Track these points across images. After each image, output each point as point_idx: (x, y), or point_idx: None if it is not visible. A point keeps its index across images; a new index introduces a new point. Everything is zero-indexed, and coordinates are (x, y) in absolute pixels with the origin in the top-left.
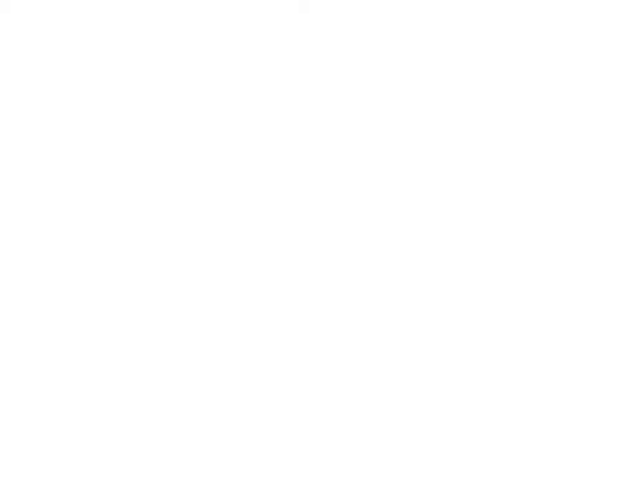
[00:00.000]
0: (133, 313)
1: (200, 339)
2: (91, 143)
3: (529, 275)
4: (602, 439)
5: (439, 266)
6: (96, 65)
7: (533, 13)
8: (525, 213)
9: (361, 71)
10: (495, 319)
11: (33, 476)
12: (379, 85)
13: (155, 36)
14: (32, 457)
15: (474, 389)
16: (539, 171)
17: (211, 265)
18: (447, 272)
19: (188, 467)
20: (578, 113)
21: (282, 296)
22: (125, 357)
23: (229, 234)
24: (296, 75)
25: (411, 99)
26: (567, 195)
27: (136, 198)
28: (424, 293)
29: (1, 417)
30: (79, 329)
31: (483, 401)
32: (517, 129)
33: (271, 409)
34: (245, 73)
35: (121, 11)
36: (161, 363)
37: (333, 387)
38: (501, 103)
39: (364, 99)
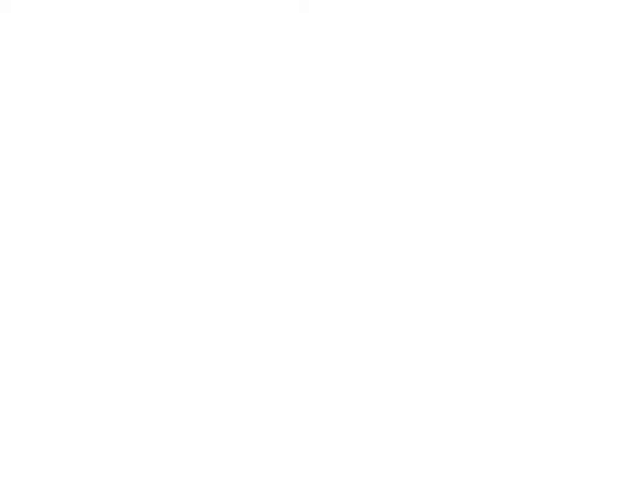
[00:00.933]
0: (133, 312)
1: (200, 339)
2: (91, 142)
3: (529, 275)
4: (602, 439)
5: (439, 266)
6: (96, 65)
7: (533, 13)
8: (525, 212)
9: (361, 70)
10: (495, 318)
11: (33, 476)
12: (379, 85)
13: (155, 36)
14: (32, 457)
15: (474, 389)
16: (539, 170)
17: (211, 264)
18: (447, 272)
19: (188, 467)
20: (578, 112)
21: (282, 296)
22: (125, 356)
23: (229, 233)
24: (296, 75)
25: (411, 99)
26: (567, 195)
27: (136, 197)
28: (424, 292)
29: (0, 417)
30: (79, 328)
31: (483, 401)
32: (517, 128)
33: (270, 409)
34: (245, 73)
35: (121, 11)
36: (161, 363)
37: (333, 387)
38: (501, 102)
39: (364, 99)
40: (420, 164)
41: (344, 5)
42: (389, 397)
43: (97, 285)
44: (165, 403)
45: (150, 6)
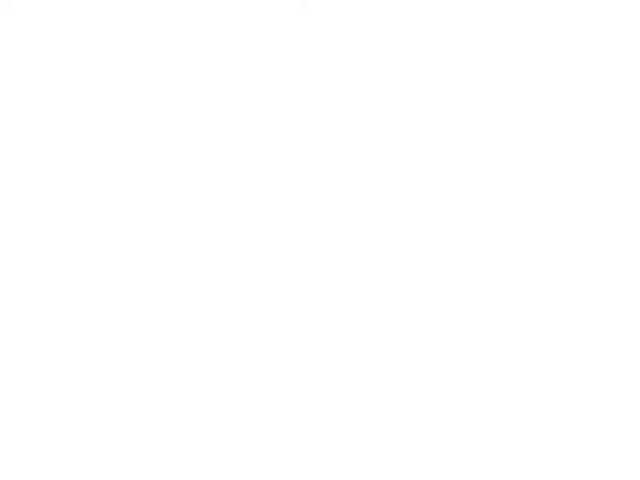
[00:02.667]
0: (133, 313)
1: (200, 339)
2: (91, 142)
3: (529, 275)
4: (602, 439)
5: (439, 266)
6: (96, 65)
7: (533, 13)
8: (525, 213)
9: (361, 70)
10: (495, 319)
11: (33, 476)
12: (379, 85)
13: (155, 36)
14: (32, 457)
15: (474, 389)
16: (539, 171)
17: (211, 265)
18: (447, 272)
19: (188, 467)
20: (578, 112)
21: (282, 296)
22: (125, 357)
23: (229, 233)
24: (296, 75)
25: (411, 99)
26: (567, 195)
27: (136, 198)
28: (424, 292)
29: (0, 417)
30: (79, 329)
31: (483, 401)
32: (516, 129)
33: (270, 409)
34: (245, 73)
35: (121, 11)
36: (161, 363)
37: (333, 387)
38: (501, 102)
39: (364, 99)
40: (419, 163)
41: (344, 4)
42: (389, 396)
43: (96, 285)
44: (164, 403)
45: (150, 6)
